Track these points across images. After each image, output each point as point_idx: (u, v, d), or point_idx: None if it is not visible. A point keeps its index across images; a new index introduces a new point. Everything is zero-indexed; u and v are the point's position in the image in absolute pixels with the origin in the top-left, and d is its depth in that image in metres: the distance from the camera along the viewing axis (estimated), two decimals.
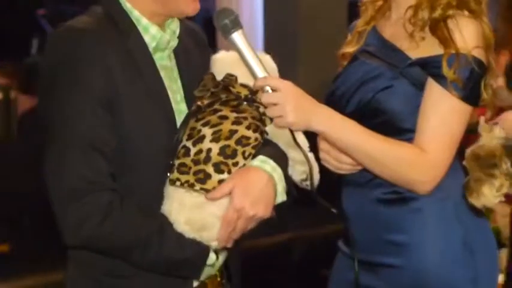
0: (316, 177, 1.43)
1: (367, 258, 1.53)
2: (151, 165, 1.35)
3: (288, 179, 1.41)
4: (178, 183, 1.33)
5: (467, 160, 1.47)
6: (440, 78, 1.44)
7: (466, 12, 1.47)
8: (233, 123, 1.34)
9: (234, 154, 1.33)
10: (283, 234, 3.01)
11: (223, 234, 1.33)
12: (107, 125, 1.29)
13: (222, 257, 1.41)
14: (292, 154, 1.42)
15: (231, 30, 1.35)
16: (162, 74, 1.39)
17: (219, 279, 1.46)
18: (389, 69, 1.51)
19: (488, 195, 1.42)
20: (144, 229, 1.32)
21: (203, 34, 1.58)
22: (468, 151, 1.49)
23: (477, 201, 1.45)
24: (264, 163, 1.35)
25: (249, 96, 1.38)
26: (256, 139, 1.35)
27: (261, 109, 1.39)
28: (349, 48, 1.61)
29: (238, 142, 1.34)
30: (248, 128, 1.34)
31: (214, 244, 1.35)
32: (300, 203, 1.48)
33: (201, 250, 1.34)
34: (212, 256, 1.36)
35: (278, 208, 1.40)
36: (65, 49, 1.31)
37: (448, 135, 1.46)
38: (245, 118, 1.35)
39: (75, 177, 1.28)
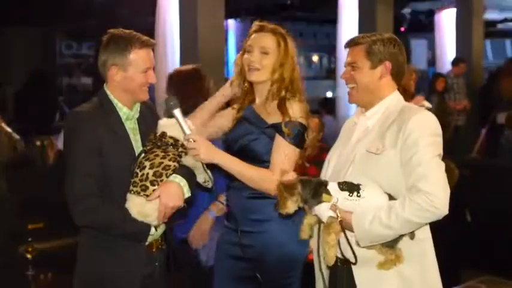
0: (212, 182, 2.55)
1: (243, 229, 2.64)
2: (121, 182, 2.37)
3: (193, 184, 2.48)
4: (132, 192, 2.37)
5: (276, 188, 2.29)
6: (282, 133, 2.57)
7: (296, 98, 2.62)
8: (161, 158, 2.39)
9: (160, 175, 2.37)
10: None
11: (159, 217, 2.39)
12: (96, 162, 2.33)
13: (160, 230, 2.46)
14: (195, 170, 2.51)
15: (173, 108, 2.44)
16: (130, 132, 2.47)
17: (159, 241, 2.51)
18: (257, 129, 2.63)
19: (290, 207, 2.24)
20: (116, 216, 2.35)
21: (155, 108, 2.71)
22: (277, 183, 2.31)
23: (282, 211, 2.26)
24: (175, 177, 2.41)
25: (173, 143, 2.43)
26: (174, 166, 2.41)
27: (180, 149, 2.43)
28: (237, 115, 2.74)
29: (163, 168, 2.38)
30: (170, 160, 2.40)
31: (154, 223, 2.40)
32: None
33: (146, 227, 2.39)
34: (153, 229, 2.40)
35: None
36: (74, 123, 2.40)
37: (286, 165, 2.54)
38: (168, 155, 2.40)
39: (78, 191, 2.31)
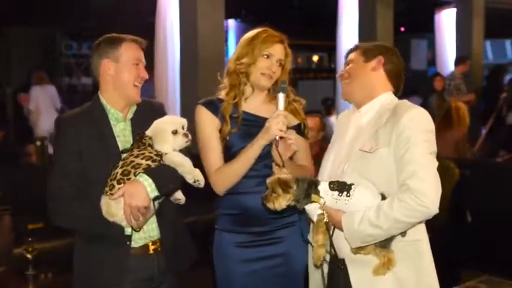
0: (202, 182, 2.42)
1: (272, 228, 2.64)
2: (102, 184, 2.34)
3: (166, 183, 2.36)
4: (104, 191, 2.33)
5: (272, 181, 2.26)
6: (301, 134, 2.73)
7: (297, 101, 2.76)
8: (134, 157, 2.35)
9: (128, 173, 2.32)
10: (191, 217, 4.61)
11: (126, 218, 2.32)
12: (75, 165, 2.35)
13: (152, 232, 2.44)
14: (181, 169, 2.39)
15: (281, 92, 2.51)
16: (121, 133, 2.46)
17: (158, 243, 2.46)
18: None
19: (281, 204, 2.25)
20: (89, 217, 2.34)
21: (162, 107, 2.65)
22: (274, 177, 2.29)
23: (271, 206, 2.27)
24: (141, 176, 2.32)
25: (151, 143, 2.37)
26: (147, 165, 2.33)
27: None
28: (239, 116, 2.71)
29: (133, 167, 2.33)
30: (143, 159, 2.34)
31: (123, 224, 2.34)
32: (200, 198, 2.75)
33: (117, 227, 2.35)
34: (128, 229, 2.37)
35: (158, 198, 2.38)
36: (58, 128, 2.44)
37: (310, 156, 2.79)
38: (143, 154, 2.35)
39: (54, 192, 2.34)
